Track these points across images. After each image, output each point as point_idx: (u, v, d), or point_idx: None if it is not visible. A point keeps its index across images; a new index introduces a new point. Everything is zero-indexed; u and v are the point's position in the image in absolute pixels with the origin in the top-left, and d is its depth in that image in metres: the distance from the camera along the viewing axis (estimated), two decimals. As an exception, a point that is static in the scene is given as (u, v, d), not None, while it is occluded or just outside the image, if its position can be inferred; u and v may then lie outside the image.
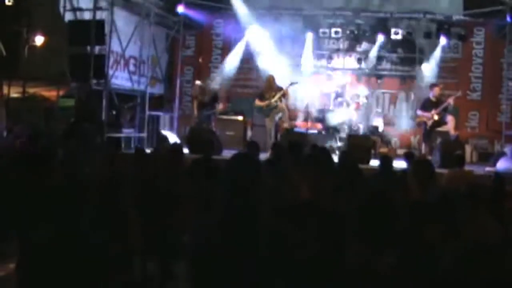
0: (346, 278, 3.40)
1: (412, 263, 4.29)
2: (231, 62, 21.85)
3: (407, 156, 11.84)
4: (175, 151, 9.96)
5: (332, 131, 18.53)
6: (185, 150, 15.16)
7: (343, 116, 18.85)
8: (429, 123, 16.78)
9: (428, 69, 20.94)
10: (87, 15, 16.22)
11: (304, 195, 4.67)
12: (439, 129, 17.53)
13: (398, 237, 4.68)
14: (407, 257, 4.42)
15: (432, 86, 17.30)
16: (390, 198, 3.74)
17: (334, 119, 18.74)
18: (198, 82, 19.52)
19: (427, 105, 16.87)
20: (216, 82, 20.12)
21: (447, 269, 3.68)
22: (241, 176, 4.01)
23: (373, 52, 21.28)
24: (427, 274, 3.81)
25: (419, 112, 17.14)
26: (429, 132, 16.93)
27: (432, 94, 16.90)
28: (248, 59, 22.02)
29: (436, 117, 16.66)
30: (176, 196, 6.71)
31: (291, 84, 18.05)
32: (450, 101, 16.76)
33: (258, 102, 17.94)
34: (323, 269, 3.70)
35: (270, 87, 17.88)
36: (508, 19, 18.96)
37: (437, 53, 20.85)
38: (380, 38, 20.85)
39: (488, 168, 15.84)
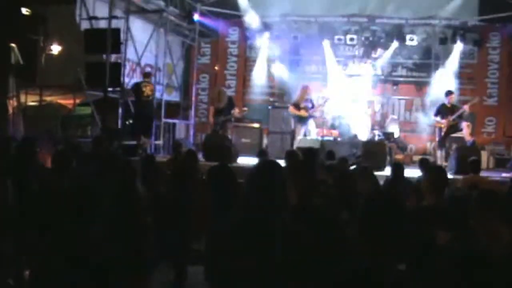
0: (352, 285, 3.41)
1: (422, 270, 4.29)
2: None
3: (422, 163, 11.85)
4: (190, 156, 10.04)
5: (348, 138, 18.50)
6: (200, 157, 15.33)
7: (358, 123, 18.84)
8: (444, 129, 16.72)
9: (444, 75, 20.90)
10: (103, 24, 16.29)
11: (292, 200, 4.70)
12: (455, 135, 17.50)
13: (408, 243, 4.68)
14: (417, 264, 4.42)
15: (448, 93, 17.24)
16: (394, 202, 3.72)
17: (349, 126, 18.74)
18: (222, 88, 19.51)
19: (442, 111, 16.80)
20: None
21: (456, 275, 3.67)
22: (269, 182, 4.04)
23: (386, 58, 21.25)
24: (437, 280, 3.81)
25: (435, 118, 17.08)
26: (444, 138, 16.86)
27: (448, 101, 16.84)
28: (262, 66, 22.10)
29: (451, 123, 16.61)
30: (190, 202, 6.73)
31: (325, 101, 18.32)
32: (466, 107, 16.71)
33: (294, 110, 18.00)
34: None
35: (304, 97, 17.94)
36: (524, 24, 18.93)
37: (453, 59, 20.80)
38: (395, 44, 20.83)
39: (504, 174, 15.78)
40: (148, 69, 18.45)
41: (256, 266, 3.73)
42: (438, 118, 16.86)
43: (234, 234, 3.93)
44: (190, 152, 11.33)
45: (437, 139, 17.22)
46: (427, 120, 19.52)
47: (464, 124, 16.72)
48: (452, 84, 20.09)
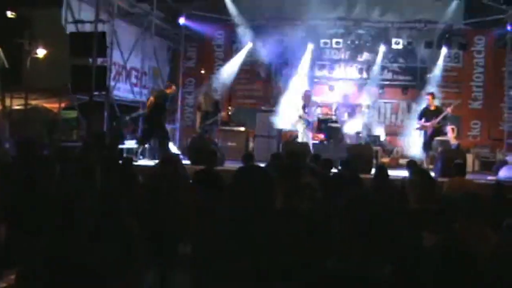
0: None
1: (408, 273, 4.30)
2: (231, 71, 21.94)
3: (410, 165, 11.88)
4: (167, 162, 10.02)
5: (334, 141, 18.51)
6: (187, 162, 15.32)
7: (344, 126, 18.88)
8: (429, 132, 16.75)
9: (430, 79, 20.99)
10: (88, 27, 16.26)
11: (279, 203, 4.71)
12: (441, 138, 17.57)
13: (393, 245, 4.69)
14: (403, 267, 4.44)
15: (427, 94, 17.33)
16: (374, 204, 3.73)
17: (335, 129, 18.75)
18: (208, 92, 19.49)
19: (425, 114, 16.85)
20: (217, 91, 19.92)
21: (442, 278, 3.68)
22: (253, 187, 4.04)
23: (377, 62, 21.33)
24: (424, 283, 3.81)
25: (418, 122, 17.10)
26: (429, 141, 16.89)
27: (429, 103, 16.89)
28: (249, 70, 22.12)
29: (436, 127, 16.64)
30: (175, 207, 6.72)
31: (318, 106, 18.56)
32: (449, 110, 16.76)
33: (304, 116, 18.03)
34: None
35: (309, 102, 17.98)
36: (508, 28, 19.03)
37: (439, 63, 20.89)
38: (382, 48, 20.89)
39: (490, 177, 15.85)
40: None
41: (241, 269, 3.73)
42: (422, 122, 16.89)
43: (218, 238, 3.93)
44: (166, 159, 11.30)
45: (422, 142, 17.24)
46: (413, 123, 19.58)
47: (449, 128, 16.78)
48: (437, 87, 20.28)
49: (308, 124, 17.59)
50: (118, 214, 5.15)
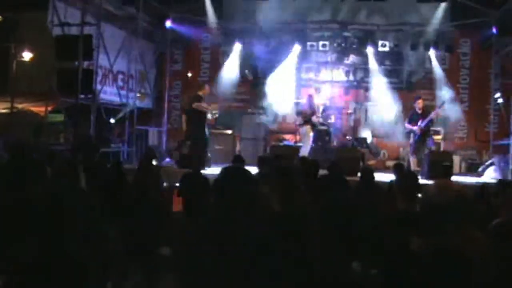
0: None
1: (396, 275, 4.31)
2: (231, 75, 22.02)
3: (396, 168, 11.90)
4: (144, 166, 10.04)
5: (321, 143, 18.54)
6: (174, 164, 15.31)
7: (331, 129, 18.92)
8: (417, 135, 16.81)
9: (416, 81, 21.08)
10: (74, 30, 16.20)
11: (275, 207, 4.71)
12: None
13: (378, 248, 4.71)
14: (391, 269, 4.45)
15: (416, 98, 17.38)
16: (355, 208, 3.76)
17: (322, 132, 18.78)
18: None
19: (414, 117, 16.91)
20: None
21: (435, 281, 3.70)
22: (234, 189, 4.04)
23: (360, 65, 21.39)
24: (411, 285, 3.83)
25: (407, 125, 17.15)
26: (416, 144, 16.93)
27: (417, 107, 16.95)
28: (236, 73, 22.15)
29: (423, 130, 16.71)
30: (158, 209, 6.73)
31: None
32: (433, 115, 16.80)
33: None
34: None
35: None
36: (493, 30, 19.10)
37: (425, 65, 20.97)
38: (368, 50, 20.93)
39: (476, 179, 15.93)
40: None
41: (224, 273, 3.73)
42: (408, 125, 16.96)
43: (201, 240, 3.92)
44: (145, 162, 11.31)
45: (410, 145, 17.29)
46: (399, 126, 19.63)
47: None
48: (424, 89, 20.41)
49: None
50: (97, 218, 5.15)
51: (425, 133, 16.84)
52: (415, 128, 16.74)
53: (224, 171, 4.20)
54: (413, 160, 17.08)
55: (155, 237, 6.61)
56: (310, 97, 18.95)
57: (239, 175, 4.15)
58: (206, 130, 16.92)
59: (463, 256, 3.97)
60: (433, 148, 17.26)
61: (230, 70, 22.03)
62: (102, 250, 4.78)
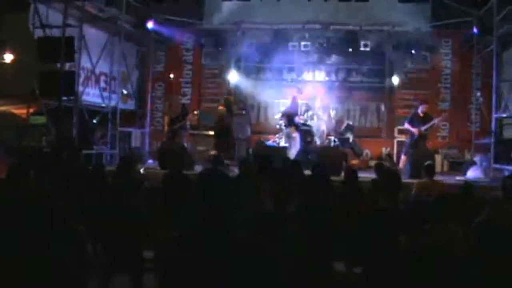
0: None
1: (380, 273, 4.34)
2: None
3: (377, 168, 11.95)
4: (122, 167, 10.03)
5: (304, 144, 18.57)
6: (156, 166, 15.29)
7: (314, 129, 18.93)
8: (415, 137, 17.00)
9: (398, 81, 21.16)
10: (56, 32, 16.13)
11: (268, 207, 4.73)
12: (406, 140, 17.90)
13: (365, 247, 4.73)
14: (375, 267, 4.47)
15: (421, 102, 17.61)
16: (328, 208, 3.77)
17: (305, 132, 18.81)
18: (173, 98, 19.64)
19: (415, 120, 17.12)
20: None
21: (414, 276, 3.72)
22: (210, 191, 4.06)
23: (341, 65, 21.46)
24: (395, 283, 3.85)
25: (407, 125, 17.34)
26: (412, 145, 17.08)
27: (421, 110, 17.14)
28: (217, 73, 22.16)
29: (422, 133, 16.95)
30: (140, 211, 6.72)
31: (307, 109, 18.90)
32: (437, 120, 17.18)
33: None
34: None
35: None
36: (475, 30, 19.18)
37: (406, 65, 21.05)
38: (350, 50, 20.98)
39: (458, 177, 16.00)
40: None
41: (203, 274, 3.74)
42: (408, 126, 17.19)
43: (180, 242, 3.93)
44: (124, 163, 11.30)
45: (404, 145, 17.55)
46: (382, 125, 19.74)
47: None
48: (406, 89, 20.55)
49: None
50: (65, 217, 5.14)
51: (423, 137, 17.04)
52: (414, 130, 16.93)
53: (201, 173, 4.22)
54: (403, 159, 17.24)
55: (135, 240, 6.59)
56: (295, 98, 18.99)
57: (216, 177, 4.17)
58: None
59: (446, 253, 3.99)
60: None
61: (212, 71, 22.08)
62: (81, 251, 4.77)
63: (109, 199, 7.12)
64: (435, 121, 17.17)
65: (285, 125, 18.75)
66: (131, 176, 10.01)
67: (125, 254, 6.55)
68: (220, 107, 18.13)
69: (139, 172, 12.91)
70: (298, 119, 18.48)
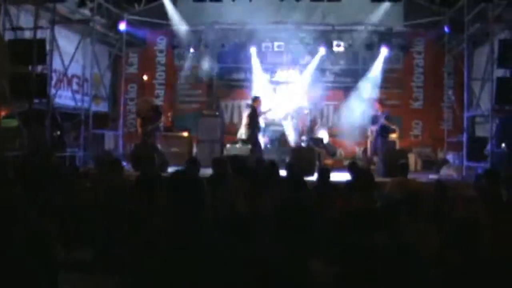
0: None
1: (354, 271, 4.34)
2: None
3: (351, 167, 11.99)
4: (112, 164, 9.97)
5: (277, 144, 18.60)
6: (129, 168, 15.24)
7: (287, 129, 18.96)
8: (375, 136, 17.16)
9: (371, 80, 21.23)
10: (28, 34, 16.03)
11: (240, 208, 4.72)
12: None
13: (340, 246, 4.73)
14: (350, 265, 4.47)
15: (375, 102, 17.72)
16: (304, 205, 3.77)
17: (278, 132, 18.85)
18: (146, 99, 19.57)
19: (375, 119, 17.32)
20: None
21: (388, 276, 3.73)
22: (181, 193, 4.03)
23: (314, 65, 21.44)
24: (367, 281, 3.86)
25: (371, 127, 17.55)
26: (374, 144, 17.22)
27: (376, 109, 17.25)
28: (191, 74, 22.12)
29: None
30: (114, 212, 6.68)
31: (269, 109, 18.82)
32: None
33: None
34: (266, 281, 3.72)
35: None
36: (446, 29, 19.31)
37: (379, 64, 21.13)
38: (322, 50, 21.01)
39: (431, 176, 16.09)
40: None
41: (174, 277, 3.72)
42: (373, 127, 17.33)
43: (153, 243, 3.91)
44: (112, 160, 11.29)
45: (372, 145, 17.66)
46: (355, 125, 19.82)
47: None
48: (379, 88, 20.66)
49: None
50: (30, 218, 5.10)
51: (383, 134, 17.15)
52: (375, 129, 17.06)
53: (173, 174, 4.19)
54: (370, 159, 17.40)
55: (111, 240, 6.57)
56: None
57: (188, 178, 4.14)
58: None
59: (414, 251, 4.01)
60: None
61: (185, 72, 22.10)
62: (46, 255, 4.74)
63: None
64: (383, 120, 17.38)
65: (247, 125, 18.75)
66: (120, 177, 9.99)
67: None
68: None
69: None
70: (263, 119, 18.38)
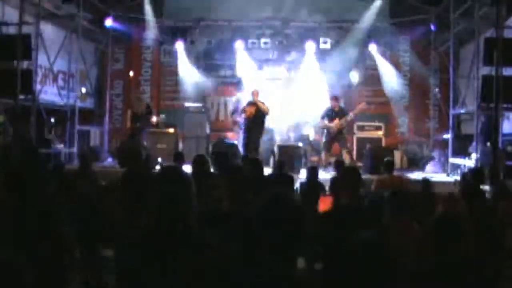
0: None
1: (337, 269, 4.34)
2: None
3: (337, 164, 12.01)
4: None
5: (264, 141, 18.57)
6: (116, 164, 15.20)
7: (274, 126, 18.95)
8: (332, 133, 16.81)
9: (357, 77, 21.24)
10: (12, 30, 15.95)
11: (225, 206, 4.70)
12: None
13: (325, 244, 4.72)
14: (333, 263, 4.47)
15: (332, 97, 17.42)
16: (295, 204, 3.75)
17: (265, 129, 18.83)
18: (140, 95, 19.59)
19: (329, 114, 16.97)
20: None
21: (363, 273, 3.73)
22: (169, 189, 4.01)
23: (303, 62, 21.42)
24: (354, 280, 3.85)
25: (321, 121, 17.18)
26: (330, 141, 16.96)
27: (332, 105, 16.97)
28: (177, 71, 22.06)
29: (339, 128, 16.79)
30: (102, 209, 6.66)
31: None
32: (351, 114, 16.94)
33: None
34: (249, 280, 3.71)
35: None
36: (432, 27, 19.38)
37: (365, 61, 21.16)
38: (309, 47, 20.98)
39: (417, 173, 16.14)
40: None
41: (163, 275, 3.71)
42: (326, 121, 16.96)
43: (140, 241, 3.90)
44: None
45: (323, 140, 17.32)
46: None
47: (344, 153, 16.95)
48: (365, 85, 20.71)
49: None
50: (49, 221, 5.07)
51: (340, 132, 16.89)
52: (331, 125, 16.73)
53: (160, 171, 4.18)
54: (323, 157, 17.20)
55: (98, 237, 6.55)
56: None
57: (174, 175, 4.13)
58: None
59: (394, 249, 4.01)
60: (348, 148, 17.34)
61: (171, 69, 22.07)
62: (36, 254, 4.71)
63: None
64: (351, 114, 17.00)
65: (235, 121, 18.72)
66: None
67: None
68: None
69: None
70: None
